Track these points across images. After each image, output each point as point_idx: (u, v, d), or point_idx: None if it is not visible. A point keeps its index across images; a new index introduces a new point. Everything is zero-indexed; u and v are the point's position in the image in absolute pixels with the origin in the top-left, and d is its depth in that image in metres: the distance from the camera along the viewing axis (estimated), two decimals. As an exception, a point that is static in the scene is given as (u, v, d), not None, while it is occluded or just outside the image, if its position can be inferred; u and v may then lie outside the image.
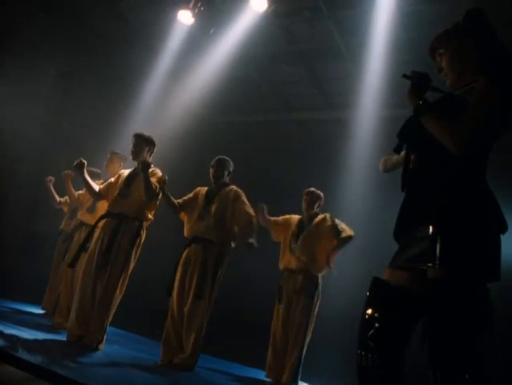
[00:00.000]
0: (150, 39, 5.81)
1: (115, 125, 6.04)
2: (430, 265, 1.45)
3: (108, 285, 3.48)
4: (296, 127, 7.22)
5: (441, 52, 1.74)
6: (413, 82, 1.60)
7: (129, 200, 3.63)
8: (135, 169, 3.82)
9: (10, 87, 5.35)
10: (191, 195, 3.94)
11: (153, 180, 3.62)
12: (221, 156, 3.94)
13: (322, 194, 4.18)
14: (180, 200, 3.86)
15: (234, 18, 5.19)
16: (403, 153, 1.75)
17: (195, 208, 3.80)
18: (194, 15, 5.23)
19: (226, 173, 3.89)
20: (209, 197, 3.79)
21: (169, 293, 3.63)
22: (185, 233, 3.81)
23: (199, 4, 5.19)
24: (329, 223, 4.01)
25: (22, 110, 5.68)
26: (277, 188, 6.53)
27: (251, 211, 3.77)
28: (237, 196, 3.78)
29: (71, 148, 6.25)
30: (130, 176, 3.76)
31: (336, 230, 3.94)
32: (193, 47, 5.72)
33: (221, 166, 3.88)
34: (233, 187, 3.87)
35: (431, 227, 1.48)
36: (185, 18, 5.27)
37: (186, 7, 5.20)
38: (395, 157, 1.90)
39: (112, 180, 3.91)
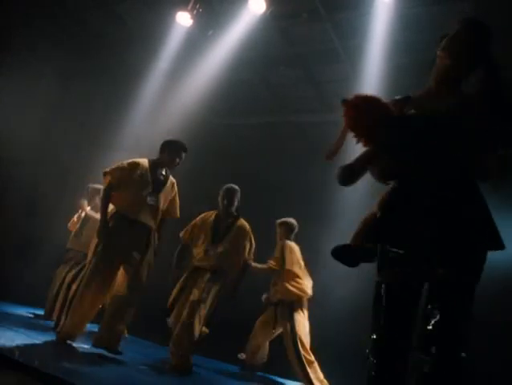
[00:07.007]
0: (148, 41, 5.80)
1: (114, 127, 6.03)
2: (430, 268, 1.50)
3: (136, 288, 3.45)
4: (294, 129, 7.22)
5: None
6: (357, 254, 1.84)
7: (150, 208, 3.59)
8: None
9: (7, 89, 5.33)
10: (198, 223, 3.93)
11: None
12: (231, 185, 3.93)
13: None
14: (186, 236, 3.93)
15: (233, 19, 5.19)
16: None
17: (202, 237, 3.84)
18: (192, 17, 5.23)
19: (236, 202, 3.91)
20: (219, 233, 3.81)
21: (168, 315, 3.71)
22: (194, 260, 3.81)
23: (197, 6, 5.20)
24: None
25: (19, 112, 5.66)
26: (274, 190, 6.54)
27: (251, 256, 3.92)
28: (249, 239, 3.90)
29: (69, 151, 6.24)
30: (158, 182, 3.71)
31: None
32: (191, 49, 5.71)
33: (231, 196, 3.87)
34: (246, 226, 3.90)
35: (431, 231, 1.52)
36: (184, 19, 5.27)
37: (184, 9, 5.21)
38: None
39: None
